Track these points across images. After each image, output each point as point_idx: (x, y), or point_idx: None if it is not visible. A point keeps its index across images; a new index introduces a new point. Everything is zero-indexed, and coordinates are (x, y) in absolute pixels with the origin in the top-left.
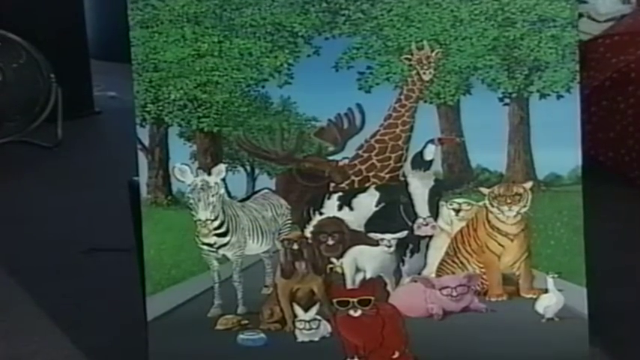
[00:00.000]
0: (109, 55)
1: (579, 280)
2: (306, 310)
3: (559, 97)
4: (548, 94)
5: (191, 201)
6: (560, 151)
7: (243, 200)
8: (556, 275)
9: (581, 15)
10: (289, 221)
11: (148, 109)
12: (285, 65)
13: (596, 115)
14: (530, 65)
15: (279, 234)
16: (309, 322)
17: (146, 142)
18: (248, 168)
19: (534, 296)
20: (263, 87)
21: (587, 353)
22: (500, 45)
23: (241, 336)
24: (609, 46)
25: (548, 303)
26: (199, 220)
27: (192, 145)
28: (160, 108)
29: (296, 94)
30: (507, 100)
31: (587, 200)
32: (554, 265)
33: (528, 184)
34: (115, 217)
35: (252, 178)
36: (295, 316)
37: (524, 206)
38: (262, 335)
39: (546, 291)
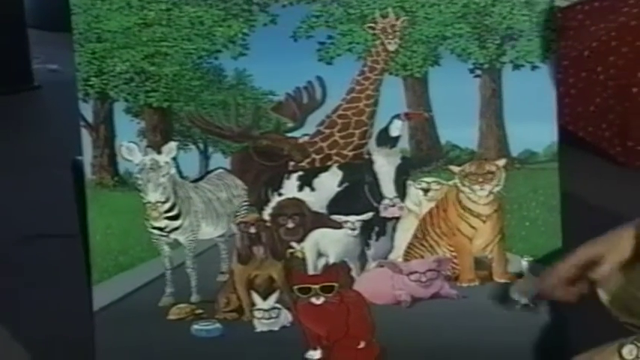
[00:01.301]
0: (49, 24)
1: (556, 263)
2: (264, 297)
3: (534, 67)
4: (522, 65)
5: (140, 182)
6: (535, 126)
7: (196, 181)
8: (531, 258)
9: None
10: (246, 203)
11: (91, 82)
12: (240, 35)
13: (574, 87)
14: (503, 34)
15: (236, 217)
16: (268, 310)
17: (90, 119)
18: (201, 146)
19: (508, 281)
20: (216, 58)
21: (564, 340)
22: (470, 12)
23: (195, 326)
24: (589, 13)
25: (523, 288)
26: (149, 202)
27: (140, 122)
28: (105, 82)
29: (252, 66)
30: (478, 72)
31: (564, 178)
32: (530, 247)
33: (501, 162)
34: (57, 200)
35: (205, 156)
36: (253, 304)
37: (497, 185)
38: (218, 325)
39: (521, 275)
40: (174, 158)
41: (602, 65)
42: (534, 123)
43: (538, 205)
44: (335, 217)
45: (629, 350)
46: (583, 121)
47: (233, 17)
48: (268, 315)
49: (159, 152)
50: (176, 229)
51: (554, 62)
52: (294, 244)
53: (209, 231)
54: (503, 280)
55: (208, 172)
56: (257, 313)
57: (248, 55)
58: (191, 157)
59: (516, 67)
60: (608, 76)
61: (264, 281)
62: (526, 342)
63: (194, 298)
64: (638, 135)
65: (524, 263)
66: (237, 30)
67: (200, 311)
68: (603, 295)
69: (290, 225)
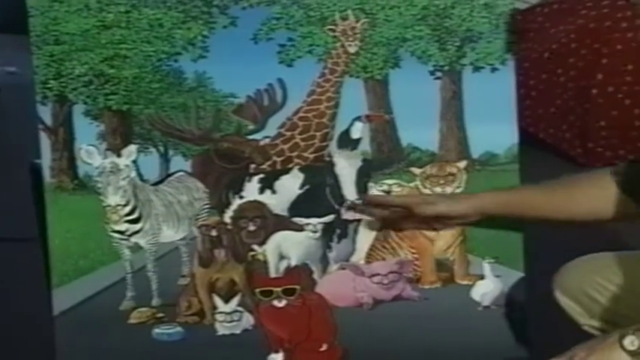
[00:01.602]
0: (6, 26)
1: (518, 265)
2: (226, 301)
3: (493, 69)
4: (482, 67)
5: (99, 185)
6: (496, 127)
7: (156, 184)
8: (493, 260)
9: None
10: (207, 206)
11: (49, 85)
12: (200, 37)
13: (535, 89)
14: (463, 36)
15: (197, 220)
16: (229, 313)
17: (48, 122)
18: (161, 149)
19: (470, 283)
20: (176, 61)
21: (525, 341)
22: (430, 14)
23: (156, 330)
24: (548, 15)
25: (485, 290)
26: (109, 205)
27: (100, 125)
28: (63, 84)
29: (212, 69)
30: (439, 74)
31: (525, 180)
32: (491, 249)
33: (462, 164)
34: (15, 203)
35: (165, 159)
36: (215, 307)
37: (459, 187)
38: (179, 329)
39: (483, 277)
40: (134, 161)
41: (562, 67)
42: (495, 125)
43: None
44: (296, 219)
45: (630, 341)
46: (544, 123)
47: (193, 19)
48: (230, 318)
49: (119, 155)
50: (137, 232)
51: (515, 64)
52: (255, 246)
53: (170, 234)
54: (464, 282)
55: (169, 175)
56: (219, 317)
57: (208, 58)
58: (151, 160)
59: (476, 69)
60: (568, 77)
61: (225, 284)
62: (488, 343)
63: (155, 301)
64: (598, 136)
65: (486, 265)
66: (197, 32)
67: (161, 315)
68: (561, 298)
69: (251, 228)
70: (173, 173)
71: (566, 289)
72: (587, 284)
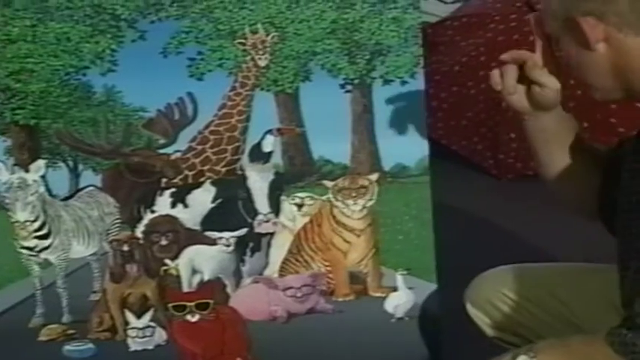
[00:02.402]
0: None
1: (430, 276)
2: (138, 316)
3: (403, 82)
4: (392, 80)
5: (7, 201)
6: (406, 140)
7: (66, 199)
8: (405, 272)
9: None
10: (118, 221)
11: None
12: (108, 51)
13: (446, 101)
14: (372, 49)
15: (108, 235)
16: (142, 329)
17: None
18: (71, 164)
19: (383, 295)
20: (84, 75)
21: (438, 353)
22: (339, 28)
23: (67, 347)
24: (457, 28)
25: (398, 302)
26: (17, 221)
27: (7, 140)
28: None
29: (121, 83)
30: (349, 87)
31: (437, 191)
32: (404, 261)
33: (374, 176)
34: None
35: (75, 174)
36: (127, 323)
37: (371, 199)
38: (90, 345)
39: (396, 289)
40: (42, 176)
41: (473, 80)
42: (405, 137)
43: (411, 219)
44: (209, 233)
45: None
46: (456, 135)
47: (101, 33)
48: (142, 334)
49: (27, 170)
50: (46, 248)
51: (425, 77)
52: (168, 261)
53: (80, 250)
54: (378, 294)
55: (79, 190)
56: (131, 332)
57: (117, 72)
58: (61, 175)
59: (386, 82)
60: (478, 90)
61: (137, 299)
62: (401, 355)
63: (65, 318)
64: (508, 148)
65: (399, 277)
66: (105, 46)
67: (72, 331)
68: (471, 310)
69: (163, 242)
70: (83, 188)
71: (476, 300)
72: (494, 296)
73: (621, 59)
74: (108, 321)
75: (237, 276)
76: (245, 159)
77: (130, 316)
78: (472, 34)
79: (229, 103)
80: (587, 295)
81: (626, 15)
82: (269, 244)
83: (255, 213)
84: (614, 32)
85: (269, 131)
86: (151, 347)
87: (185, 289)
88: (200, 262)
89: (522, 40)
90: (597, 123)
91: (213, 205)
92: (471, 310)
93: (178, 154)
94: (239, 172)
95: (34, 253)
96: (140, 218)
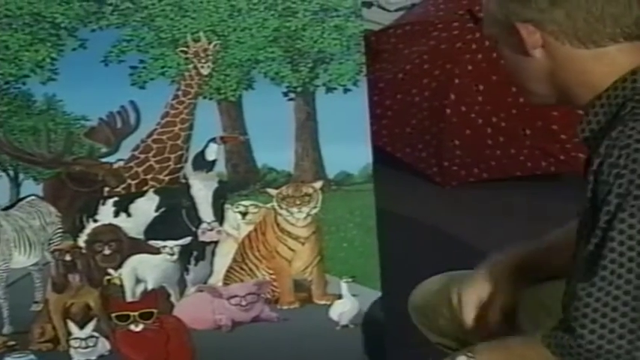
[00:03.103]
0: None
1: (374, 284)
2: (81, 326)
3: (346, 90)
4: (335, 88)
5: None
6: (350, 147)
7: (6, 209)
8: (350, 280)
9: (371, 4)
10: (60, 230)
11: None
12: (48, 60)
13: (391, 109)
14: (315, 57)
15: (50, 244)
16: (85, 339)
17: None
18: (11, 173)
19: (328, 302)
20: (24, 84)
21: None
22: (281, 36)
23: (8, 359)
24: (401, 36)
25: (343, 309)
26: None
27: None
28: None
29: (62, 92)
30: (292, 95)
31: (382, 199)
32: (348, 268)
33: (318, 184)
34: None
35: (16, 184)
36: (69, 333)
37: (315, 207)
38: (32, 357)
39: (340, 296)
40: None
41: (417, 87)
42: (349, 145)
43: (355, 227)
44: (152, 242)
45: None
46: (400, 143)
47: (40, 42)
48: (85, 344)
49: None
50: None
51: (369, 84)
52: (111, 270)
53: (21, 260)
54: (322, 302)
55: (20, 200)
56: (74, 343)
57: (58, 81)
58: (1, 185)
59: (329, 90)
60: (422, 98)
61: (80, 309)
62: None
63: (6, 329)
64: (452, 155)
65: (343, 284)
66: (45, 55)
67: (13, 343)
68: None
69: (106, 252)
70: (24, 197)
71: (418, 306)
72: (437, 302)
73: (557, 66)
74: (50, 332)
75: (182, 285)
76: (188, 167)
77: (73, 327)
78: (415, 42)
79: (172, 112)
80: (524, 298)
81: (563, 24)
82: (213, 253)
83: (199, 221)
84: (552, 40)
85: (212, 139)
86: (94, 358)
87: (129, 298)
88: (144, 271)
89: (465, 48)
90: (538, 130)
91: (156, 213)
92: (414, 316)
93: (121, 163)
94: (182, 181)
95: None
96: (82, 227)
